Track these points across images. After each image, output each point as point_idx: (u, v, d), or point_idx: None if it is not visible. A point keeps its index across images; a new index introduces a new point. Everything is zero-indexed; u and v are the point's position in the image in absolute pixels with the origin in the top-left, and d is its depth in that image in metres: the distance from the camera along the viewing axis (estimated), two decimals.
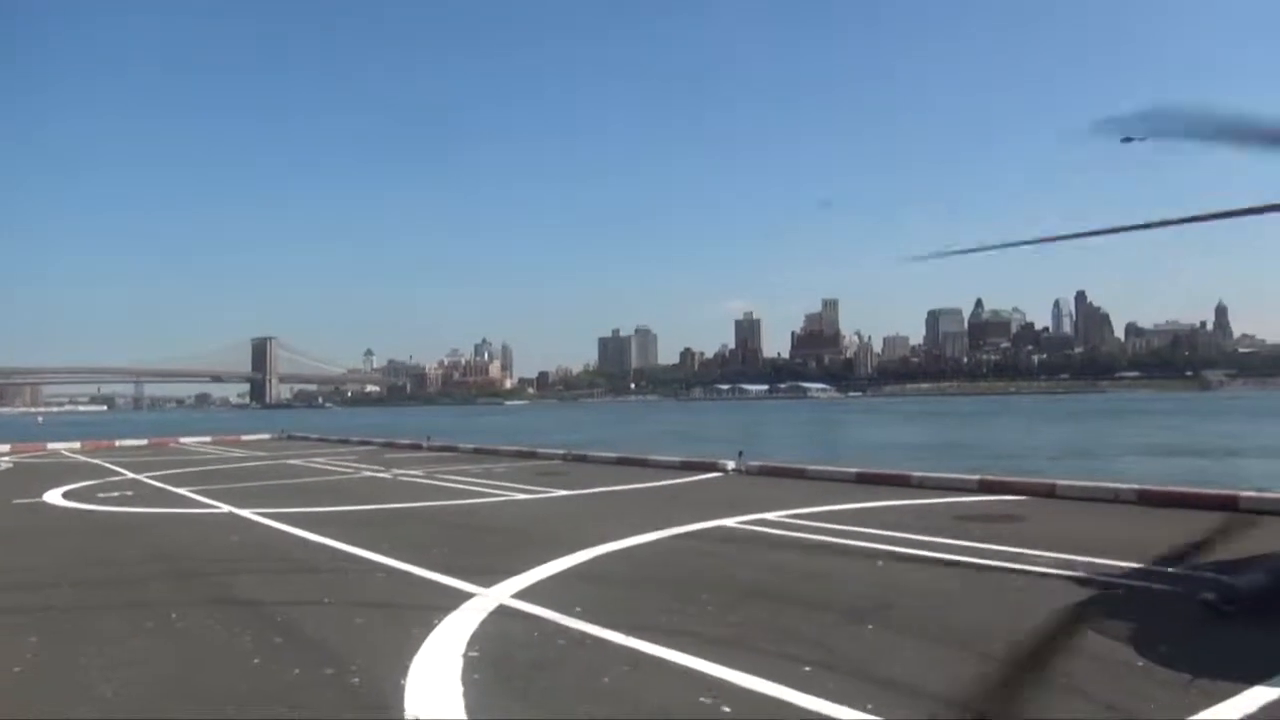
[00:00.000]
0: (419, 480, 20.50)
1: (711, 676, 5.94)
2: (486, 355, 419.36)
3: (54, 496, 18.21)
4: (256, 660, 6.51)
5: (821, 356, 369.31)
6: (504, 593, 8.45)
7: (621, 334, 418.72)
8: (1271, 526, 11.29)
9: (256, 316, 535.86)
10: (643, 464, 22.91)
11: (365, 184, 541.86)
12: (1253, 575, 7.68)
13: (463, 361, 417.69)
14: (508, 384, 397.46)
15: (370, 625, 7.49)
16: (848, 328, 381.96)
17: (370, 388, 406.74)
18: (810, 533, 11.77)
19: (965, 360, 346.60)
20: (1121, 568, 9.01)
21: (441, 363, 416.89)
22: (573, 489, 17.76)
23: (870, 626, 7.10)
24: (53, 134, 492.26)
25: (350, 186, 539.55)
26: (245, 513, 14.99)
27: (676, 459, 22.90)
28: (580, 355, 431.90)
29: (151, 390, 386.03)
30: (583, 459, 25.15)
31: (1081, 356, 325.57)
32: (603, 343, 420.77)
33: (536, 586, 8.74)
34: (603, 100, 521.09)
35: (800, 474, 19.35)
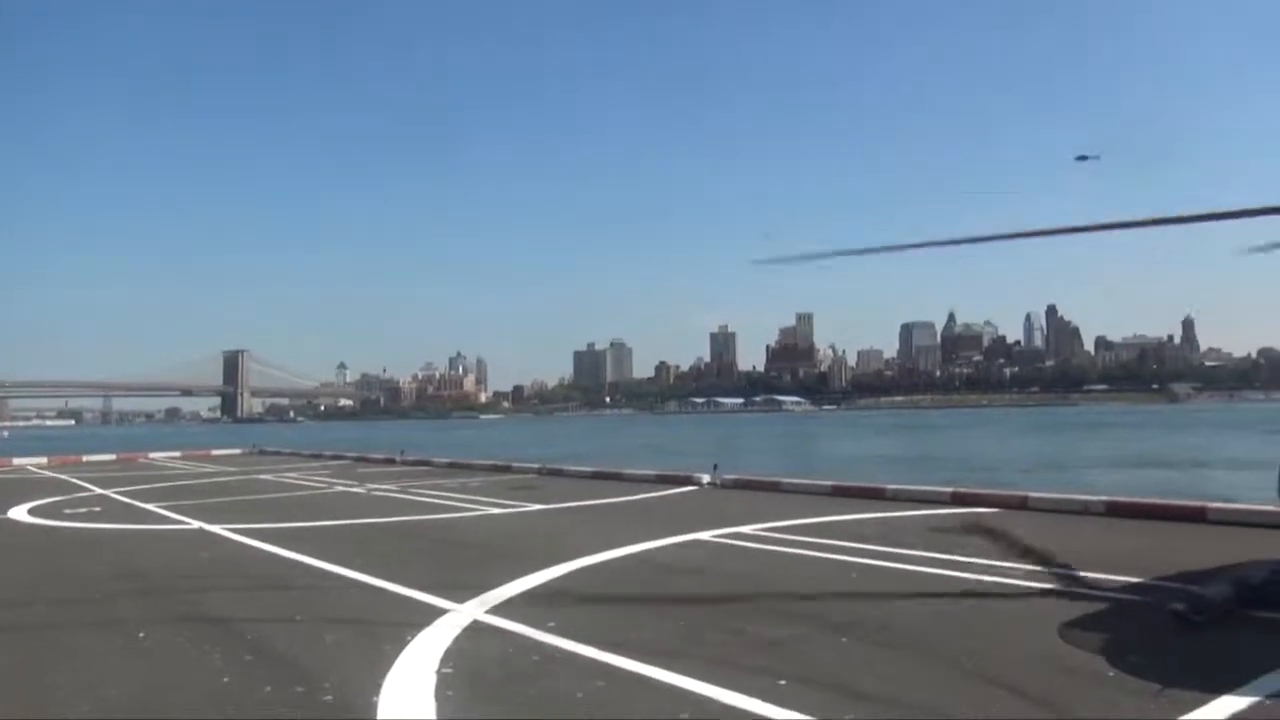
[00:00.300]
0: (392, 495, 20.35)
1: (688, 691, 5.92)
2: (461, 369, 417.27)
3: (19, 513, 17.89)
4: (226, 679, 6.42)
5: (796, 370, 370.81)
6: (478, 608, 8.40)
7: (596, 347, 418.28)
8: (1239, 537, 11.45)
9: (228, 329, 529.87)
10: (618, 478, 22.89)
11: (339, 196, 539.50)
12: (1221, 586, 7.78)
13: (437, 375, 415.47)
14: (482, 398, 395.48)
15: (342, 642, 7.41)
16: (822, 341, 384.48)
17: (343, 402, 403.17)
18: (786, 546, 11.79)
19: (938, 373, 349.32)
20: (1092, 579, 9.09)
21: (416, 376, 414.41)
22: (547, 503, 17.70)
23: (845, 639, 7.12)
24: (25, 140, 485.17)
25: (324, 199, 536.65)
26: (215, 529, 14.81)
27: (651, 473, 22.89)
28: (555, 369, 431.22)
29: (120, 404, 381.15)
30: (558, 473, 25.09)
31: (1052, 370, 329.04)
32: (578, 356, 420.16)
33: (510, 602, 8.69)
34: (578, 111, 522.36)
35: (775, 487, 19.41)
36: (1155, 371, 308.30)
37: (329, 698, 5.96)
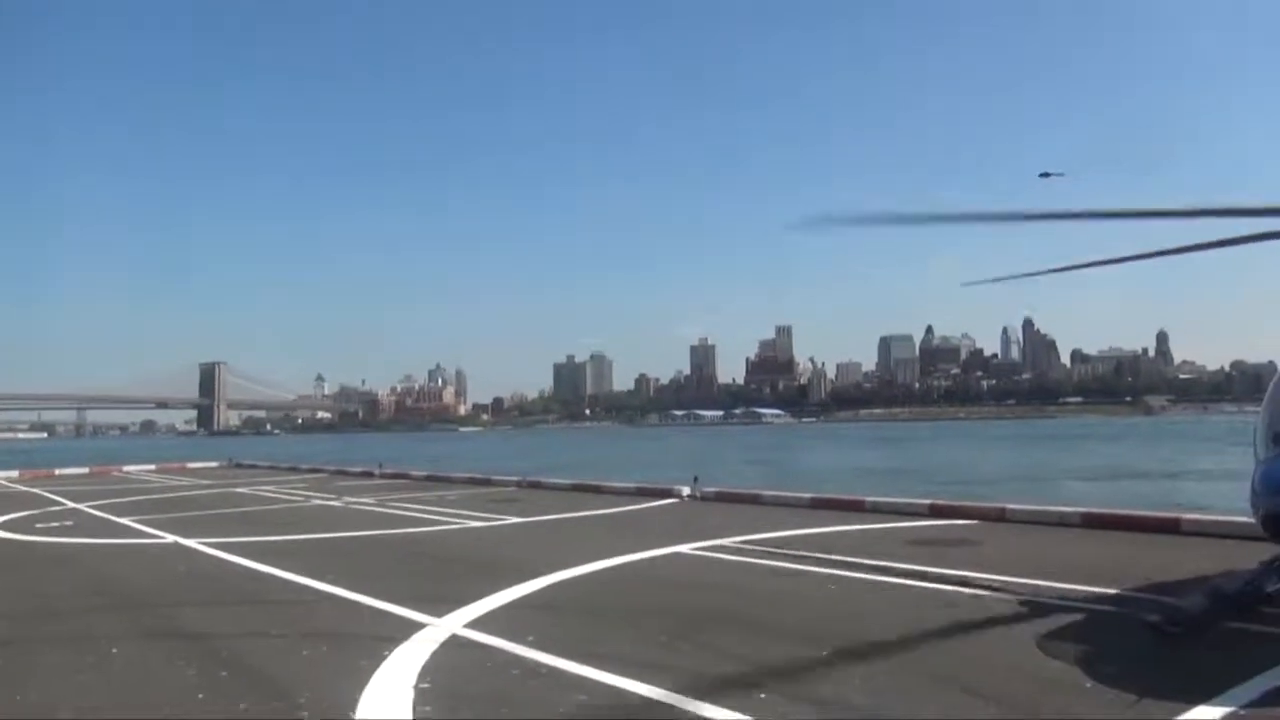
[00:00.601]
0: (370, 508, 20.22)
1: (667, 704, 5.90)
2: (440, 381, 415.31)
3: None
4: (201, 695, 6.34)
5: (776, 382, 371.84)
6: (456, 622, 8.34)
7: (576, 360, 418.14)
8: (1213, 548, 11.55)
9: (205, 341, 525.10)
10: (597, 491, 22.85)
11: (319, 207, 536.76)
12: (1196, 597, 7.85)
13: (416, 388, 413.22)
14: (462, 410, 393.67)
15: (319, 657, 7.34)
16: (801, 354, 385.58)
17: (321, 414, 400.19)
18: (765, 558, 11.80)
19: (917, 386, 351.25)
20: (1069, 590, 9.15)
21: (395, 389, 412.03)
22: (526, 516, 17.64)
23: (825, 652, 7.12)
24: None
25: (303, 209, 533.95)
26: (190, 543, 14.64)
27: (631, 485, 22.88)
28: (535, 381, 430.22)
29: (94, 417, 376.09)
30: (537, 486, 25.03)
31: (1029, 382, 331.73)
32: (558, 368, 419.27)
33: (489, 616, 8.65)
34: (557, 125, 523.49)
35: (755, 499, 19.44)
36: (1130, 384, 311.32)
37: (305, 714, 5.89)
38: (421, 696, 6.20)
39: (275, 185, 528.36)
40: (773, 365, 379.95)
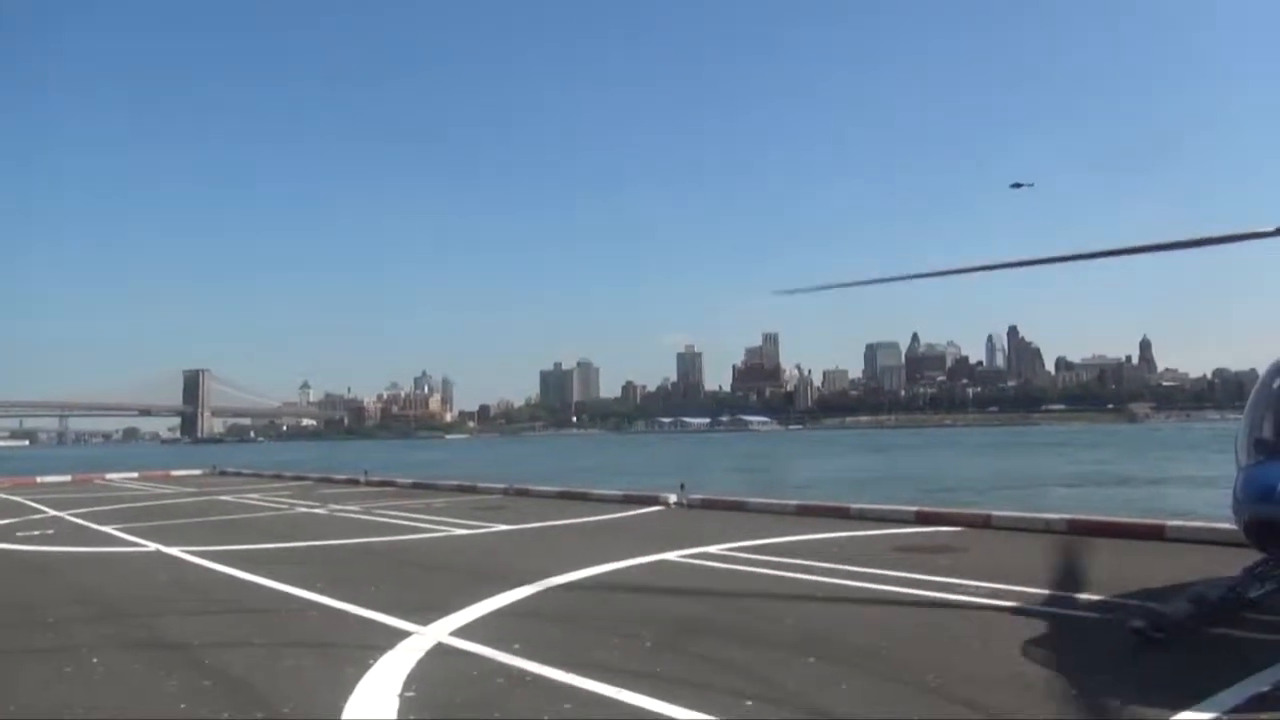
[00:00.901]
0: (356, 516, 20.12)
1: (654, 713, 5.89)
2: (426, 388, 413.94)
3: None
4: (183, 705, 6.28)
5: (762, 389, 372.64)
6: (442, 630, 8.30)
7: (563, 367, 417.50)
8: (1196, 554, 11.62)
9: (188, 348, 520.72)
10: (584, 498, 22.80)
11: (305, 216, 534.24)
12: (1180, 603, 7.89)
13: (402, 395, 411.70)
14: (448, 417, 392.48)
15: (303, 666, 7.29)
16: (788, 361, 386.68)
17: (306, 421, 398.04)
18: (752, 565, 11.79)
19: (903, 393, 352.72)
20: (1054, 597, 9.19)
21: (380, 396, 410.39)
22: (513, 524, 17.58)
23: (811, 659, 7.12)
24: None
25: (289, 219, 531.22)
26: (173, 551, 14.53)
27: (618, 493, 22.84)
28: (521, 388, 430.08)
29: (77, 424, 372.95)
30: (524, 493, 24.94)
31: (1014, 390, 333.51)
32: (544, 376, 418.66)
33: (475, 624, 8.61)
34: (546, 134, 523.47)
35: (741, 507, 19.44)
36: (1114, 392, 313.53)
37: None
38: (407, 705, 6.16)
39: (262, 191, 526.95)
40: (759, 372, 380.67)
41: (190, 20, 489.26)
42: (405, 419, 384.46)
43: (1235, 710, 5.69)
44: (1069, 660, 6.84)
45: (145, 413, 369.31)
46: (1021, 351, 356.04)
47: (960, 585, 9.96)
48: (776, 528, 15.55)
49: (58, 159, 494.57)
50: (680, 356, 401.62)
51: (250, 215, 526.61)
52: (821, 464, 75.46)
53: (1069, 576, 10.17)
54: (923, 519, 16.05)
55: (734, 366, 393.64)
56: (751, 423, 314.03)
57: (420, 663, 7.22)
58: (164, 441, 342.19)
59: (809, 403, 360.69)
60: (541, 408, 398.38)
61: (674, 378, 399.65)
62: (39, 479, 37.40)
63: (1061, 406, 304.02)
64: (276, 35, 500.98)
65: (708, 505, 20.07)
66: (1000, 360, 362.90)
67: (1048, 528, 14.47)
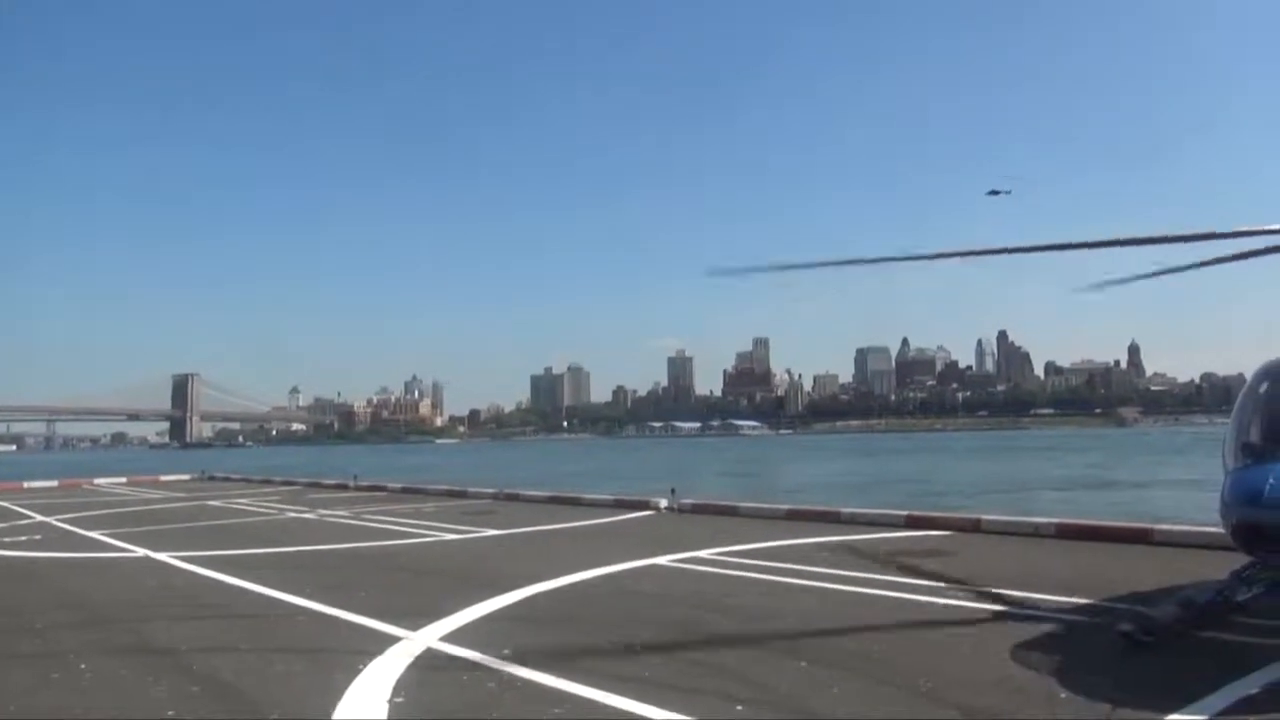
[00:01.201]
0: (345, 521, 20.05)
1: (645, 717, 5.88)
2: (416, 393, 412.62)
3: None
4: (171, 711, 6.24)
5: (753, 394, 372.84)
6: (432, 635, 8.28)
7: (554, 371, 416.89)
8: (1184, 558, 11.67)
9: (177, 352, 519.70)
10: (575, 503, 22.80)
11: (294, 217, 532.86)
12: (1168, 606, 7.93)
13: (392, 399, 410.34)
14: (438, 422, 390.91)
15: (292, 672, 7.26)
16: (778, 366, 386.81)
17: (296, 426, 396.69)
18: (742, 570, 11.80)
19: (893, 398, 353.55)
20: (1043, 601, 9.22)
21: (370, 400, 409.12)
22: (503, 528, 17.56)
23: (802, 663, 7.12)
24: None
25: (279, 220, 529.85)
26: (162, 556, 14.46)
27: (609, 497, 22.83)
28: (512, 393, 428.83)
29: (64, 429, 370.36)
30: (514, 498, 24.91)
31: (1004, 394, 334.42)
32: (535, 380, 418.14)
33: (466, 629, 8.59)
34: (540, 138, 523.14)
35: (732, 511, 19.44)
36: (1103, 396, 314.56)
37: None
38: (396, 710, 6.14)
39: (252, 195, 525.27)
40: (750, 377, 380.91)
41: (184, 22, 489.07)
42: (395, 423, 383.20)
43: (1224, 713, 5.72)
44: (1058, 663, 6.85)
45: (133, 417, 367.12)
46: (1011, 356, 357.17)
47: (950, 589, 9.98)
48: (767, 532, 15.57)
49: (47, 162, 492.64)
50: (671, 361, 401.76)
51: (240, 219, 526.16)
52: (812, 468, 75.54)
53: (1058, 580, 10.20)
54: (913, 523, 16.10)
55: (725, 371, 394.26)
56: (742, 427, 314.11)
57: (410, 668, 7.20)
58: (152, 446, 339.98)
59: (799, 407, 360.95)
60: (532, 412, 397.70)
61: (665, 382, 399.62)
62: (26, 484, 37.21)
63: (1050, 411, 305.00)
64: (271, 39, 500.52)
65: (698, 510, 20.07)
66: (990, 364, 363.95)
67: (1037, 531, 14.53)
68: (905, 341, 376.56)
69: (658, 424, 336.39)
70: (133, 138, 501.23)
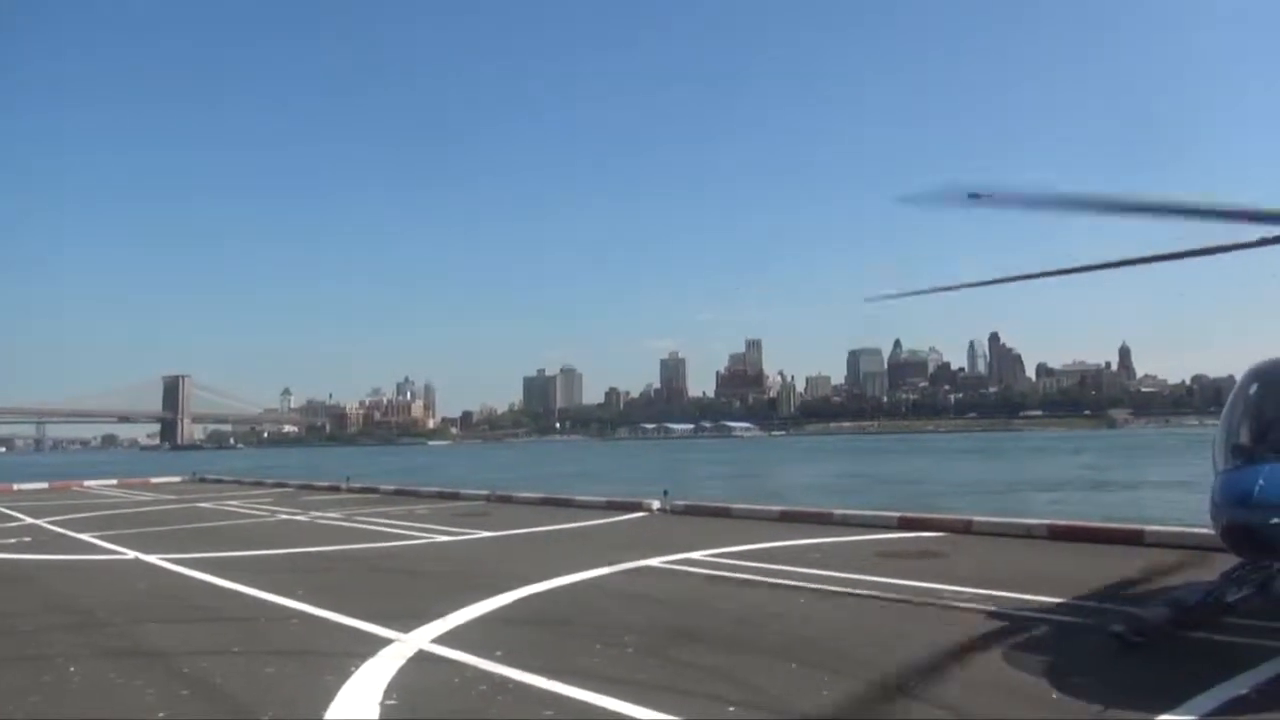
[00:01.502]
0: (337, 523, 20.00)
1: (636, 719, 5.88)
2: (409, 395, 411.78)
3: None
4: (161, 714, 6.22)
5: (746, 396, 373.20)
6: (424, 638, 8.26)
7: (547, 373, 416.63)
8: (1175, 559, 11.71)
9: (169, 353, 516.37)
10: (567, 504, 22.77)
11: (286, 219, 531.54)
12: (1159, 607, 7.95)
13: (384, 401, 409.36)
14: (430, 424, 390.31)
15: (283, 674, 7.23)
16: (771, 368, 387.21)
17: (288, 428, 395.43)
18: (735, 571, 11.80)
19: (885, 399, 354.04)
20: (1035, 602, 9.24)
21: (362, 402, 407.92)
22: (496, 530, 17.53)
23: (793, 664, 7.12)
24: None
25: (271, 221, 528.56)
26: (152, 559, 14.39)
27: (601, 499, 22.81)
28: (504, 395, 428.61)
29: (55, 431, 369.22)
30: (507, 500, 24.88)
31: (996, 396, 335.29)
32: (527, 382, 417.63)
33: (457, 631, 8.57)
34: (531, 141, 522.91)
35: (725, 513, 19.44)
36: (1094, 397, 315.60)
37: None
38: (388, 713, 6.13)
39: (244, 197, 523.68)
40: (743, 379, 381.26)
41: (178, 23, 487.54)
42: (387, 425, 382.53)
43: (1214, 713, 5.74)
44: (1050, 664, 6.87)
45: (124, 419, 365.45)
46: (1003, 358, 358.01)
47: (942, 590, 9.99)
48: (759, 533, 15.58)
49: (37, 163, 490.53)
50: (664, 363, 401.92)
51: (233, 221, 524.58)
52: (804, 470, 75.65)
53: (1050, 581, 10.22)
54: (905, 524, 16.11)
55: (717, 373, 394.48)
56: (735, 429, 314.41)
57: (401, 670, 7.19)
58: (143, 448, 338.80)
59: (792, 409, 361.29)
60: (525, 414, 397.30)
61: (658, 384, 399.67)
62: (16, 486, 36.99)
63: (1040, 412, 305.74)
64: (265, 42, 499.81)
65: (691, 511, 20.06)
66: (982, 366, 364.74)
67: (1028, 533, 14.55)
68: (897, 343, 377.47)
69: (650, 425, 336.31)
70: (126, 138, 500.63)
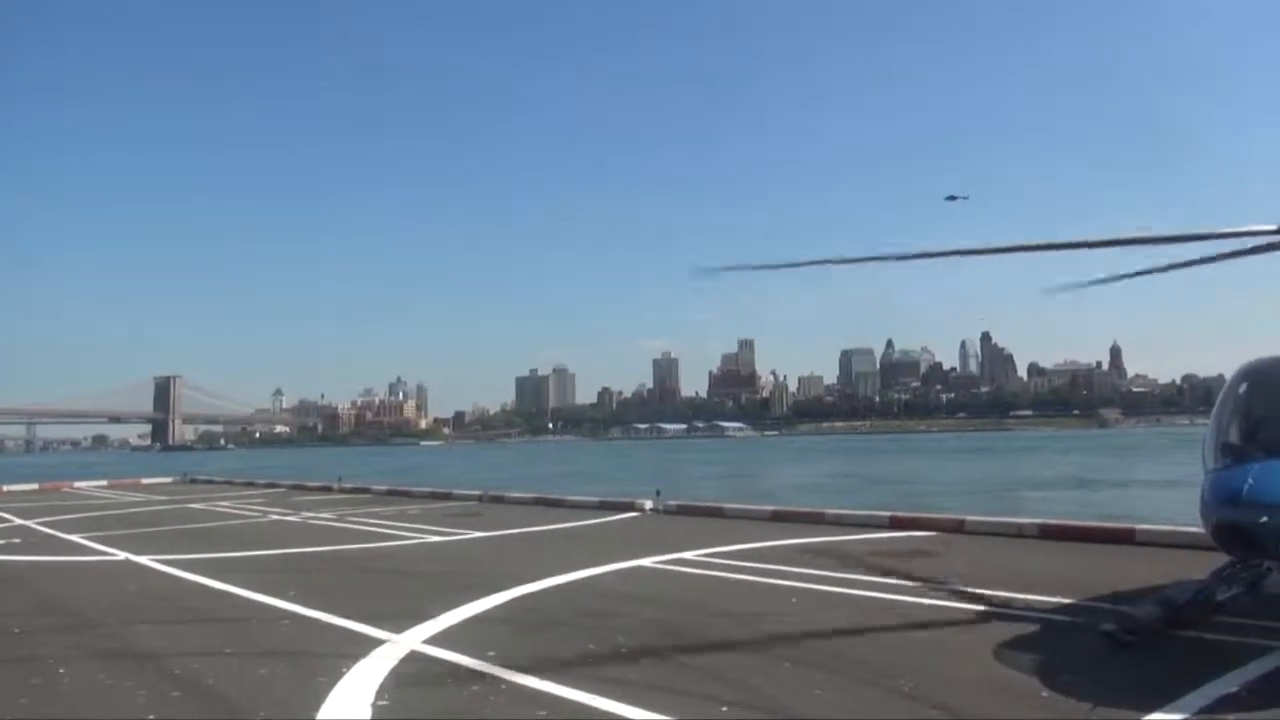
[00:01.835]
0: (329, 523, 19.95)
1: (629, 719, 5.88)
2: (401, 395, 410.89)
3: None
4: (152, 716, 6.19)
5: (739, 396, 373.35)
6: (416, 638, 8.25)
7: (539, 373, 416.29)
8: (1165, 558, 11.76)
9: (160, 354, 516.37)
10: (560, 504, 22.76)
11: (278, 219, 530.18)
12: (1149, 606, 7.98)
13: (376, 401, 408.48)
14: (423, 424, 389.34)
15: (275, 676, 7.21)
16: (764, 367, 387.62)
17: (279, 428, 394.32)
18: (727, 571, 11.81)
19: (878, 399, 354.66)
20: (1026, 601, 9.27)
21: (354, 402, 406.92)
22: (488, 530, 17.51)
23: (786, 664, 7.13)
24: None
25: (263, 222, 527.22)
26: (143, 560, 14.34)
27: (594, 499, 22.81)
28: (497, 395, 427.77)
29: (45, 432, 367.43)
30: (499, 500, 24.85)
31: (987, 395, 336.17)
32: (520, 382, 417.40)
33: (450, 631, 8.56)
34: (523, 139, 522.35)
35: (718, 513, 19.46)
36: (1085, 397, 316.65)
37: None
38: (380, 713, 6.12)
39: (235, 197, 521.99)
40: (735, 379, 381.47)
41: (172, 24, 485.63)
42: (379, 425, 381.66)
43: (1204, 711, 5.77)
44: (1041, 663, 6.89)
45: (115, 420, 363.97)
46: (994, 357, 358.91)
47: (934, 589, 10.02)
48: (752, 533, 15.59)
49: (29, 164, 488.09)
50: (656, 363, 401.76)
51: (225, 222, 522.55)
52: (797, 469, 75.74)
53: (1041, 580, 10.25)
54: (897, 524, 16.15)
55: (710, 373, 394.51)
56: (728, 429, 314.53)
57: (394, 671, 7.18)
58: (134, 449, 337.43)
59: (785, 409, 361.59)
60: (517, 414, 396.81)
61: (650, 384, 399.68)
62: (5, 487, 36.77)
63: (1030, 412, 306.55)
64: (264, 42, 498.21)
65: (683, 511, 20.07)
66: (974, 366, 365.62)
67: (1020, 532, 14.60)
68: (890, 343, 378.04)
69: (643, 425, 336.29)
70: (122, 139, 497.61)
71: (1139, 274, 9.52)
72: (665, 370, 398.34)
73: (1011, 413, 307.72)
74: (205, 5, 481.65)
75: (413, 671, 7.20)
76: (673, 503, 20.62)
